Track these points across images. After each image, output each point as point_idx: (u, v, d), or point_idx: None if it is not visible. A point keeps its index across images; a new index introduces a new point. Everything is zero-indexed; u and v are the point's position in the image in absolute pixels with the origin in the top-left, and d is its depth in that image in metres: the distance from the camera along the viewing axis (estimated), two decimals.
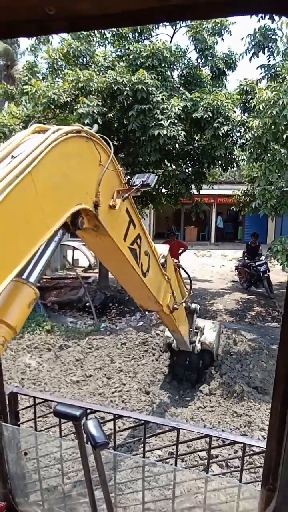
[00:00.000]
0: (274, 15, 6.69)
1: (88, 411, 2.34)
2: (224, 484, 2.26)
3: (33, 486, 2.26)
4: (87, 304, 10.49)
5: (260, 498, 1.53)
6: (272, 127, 7.91)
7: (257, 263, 11.77)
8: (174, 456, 2.51)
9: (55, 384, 6.66)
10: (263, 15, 9.11)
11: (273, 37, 9.66)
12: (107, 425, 3.86)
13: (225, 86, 11.87)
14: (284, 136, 7.82)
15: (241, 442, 2.23)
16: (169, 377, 6.85)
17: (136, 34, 11.60)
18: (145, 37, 11.75)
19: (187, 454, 4.40)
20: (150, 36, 11.83)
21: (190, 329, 5.96)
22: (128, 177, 2.65)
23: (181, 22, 11.86)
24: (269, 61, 9.78)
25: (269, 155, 8.46)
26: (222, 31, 11.50)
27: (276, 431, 1.30)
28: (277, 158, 8.13)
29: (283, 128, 7.66)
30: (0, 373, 2.09)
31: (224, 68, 11.39)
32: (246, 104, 10.21)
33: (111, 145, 2.18)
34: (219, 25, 11.33)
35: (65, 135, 1.69)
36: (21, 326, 1.44)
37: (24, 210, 1.43)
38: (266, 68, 9.69)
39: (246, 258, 12.55)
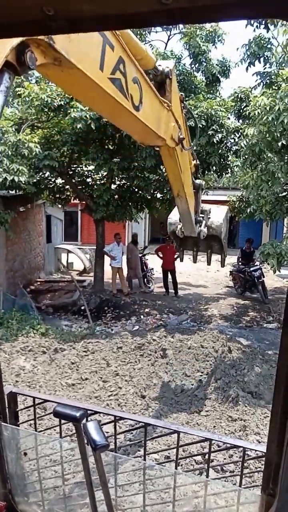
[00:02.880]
0: (277, 19, 6.78)
1: (88, 412, 2.32)
2: (222, 489, 2.25)
3: (32, 486, 2.24)
4: (82, 307, 10.46)
5: (260, 503, 1.53)
6: (267, 135, 7.97)
7: (251, 268, 11.79)
8: (171, 459, 2.50)
9: (51, 387, 6.61)
10: (258, 25, 9.30)
11: (268, 46, 9.83)
12: (104, 427, 3.84)
13: (219, 93, 12.00)
14: (279, 144, 7.89)
15: (241, 447, 2.23)
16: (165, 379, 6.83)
17: None
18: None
19: (184, 458, 4.38)
20: (144, 42, 11.93)
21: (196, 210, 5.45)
22: None
23: (176, 27, 12.01)
24: (265, 68, 9.93)
25: (262, 163, 8.51)
26: (216, 39, 11.65)
27: (276, 435, 1.29)
28: (270, 169, 8.15)
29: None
30: None
31: (218, 74, 11.51)
32: (241, 111, 10.32)
33: None
34: (212, 33, 11.48)
35: None
36: None
37: None
38: (261, 75, 9.82)
39: (240, 263, 12.60)
